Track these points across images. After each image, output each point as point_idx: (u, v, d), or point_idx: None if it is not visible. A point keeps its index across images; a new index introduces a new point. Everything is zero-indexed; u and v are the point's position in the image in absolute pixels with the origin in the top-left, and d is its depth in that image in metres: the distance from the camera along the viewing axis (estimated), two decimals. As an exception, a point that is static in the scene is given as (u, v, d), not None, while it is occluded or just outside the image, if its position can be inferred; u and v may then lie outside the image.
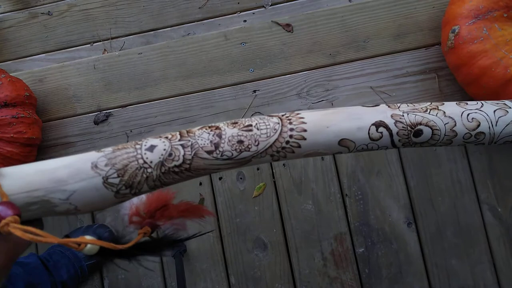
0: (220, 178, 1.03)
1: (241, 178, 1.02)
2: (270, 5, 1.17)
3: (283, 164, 1.02)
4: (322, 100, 1.05)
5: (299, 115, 0.40)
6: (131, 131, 1.06)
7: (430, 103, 0.42)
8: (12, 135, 0.93)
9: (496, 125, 0.40)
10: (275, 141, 0.39)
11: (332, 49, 1.07)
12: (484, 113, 0.40)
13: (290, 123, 0.39)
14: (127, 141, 1.10)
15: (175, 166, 0.37)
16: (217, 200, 1.02)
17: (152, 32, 1.19)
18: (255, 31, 1.09)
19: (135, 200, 0.44)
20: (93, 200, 0.36)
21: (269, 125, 0.39)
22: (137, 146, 0.37)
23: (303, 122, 0.39)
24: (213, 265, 1.00)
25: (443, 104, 0.41)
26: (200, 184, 1.03)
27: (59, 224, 1.04)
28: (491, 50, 0.84)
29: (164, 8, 1.18)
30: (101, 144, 1.06)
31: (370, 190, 1.00)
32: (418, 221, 0.98)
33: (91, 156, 0.37)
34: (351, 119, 0.40)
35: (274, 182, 1.02)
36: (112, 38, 1.19)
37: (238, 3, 1.17)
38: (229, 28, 1.12)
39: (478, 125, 0.40)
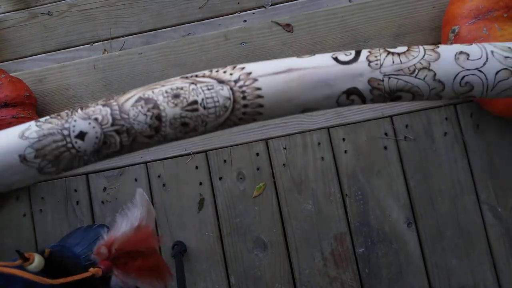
0: (220, 178, 1.03)
1: (241, 178, 1.02)
2: (270, 5, 1.17)
3: (283, 164, 1.02)
4: (322, 100, 1.05)
5: (254, 84, 0.33)
6: (131, 131, 1.06)
7: (423, 53, 0.33)
8: (12, 135, 0.93)
9: (492, 90, 0.33)
10: (226, 120, 0.33)
11: (332, 49, 1.07)
12: (483, 75, 0.33)
13: (244, 97, 0.33)
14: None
15: (114, 152, 0.33)
16: (217, 200, 1.02)
17: (152, 32, 1.19)
18: (255, 31, 1.09)
19: (124, 227, 0.43)
20: (35, 179, 0.33)
21: (218, 101, 0.33)
22: (65, 132, 0.32)
23: (259, 96, 0.33)
24: (213, 265, 1.00)
25: (438, 57, 0.33)
26: (200, 184, 1.03)
27: (59, 224, 1.04)
28: (491, 50, 0.84)
29: (164, 8, 1.18)
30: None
31: (370, 190, 1.00)
32: (418, 221, 0.98)
33: (15, 146, 0.32)
34: (318, 87, 0.33)
35: (274, 182, 1.02)
36: (112, 38, 1.19)
37: (238, 3, 1.17)
38: (229, 28, 1.12)
39: (470, 90, 0.33)
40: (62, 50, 1.20)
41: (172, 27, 1.19)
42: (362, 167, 1.01)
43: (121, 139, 0.32)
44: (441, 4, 1.05)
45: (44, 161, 0.32)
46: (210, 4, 1.18)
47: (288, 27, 1.08)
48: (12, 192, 1.06)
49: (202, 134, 0.34)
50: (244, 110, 0.33)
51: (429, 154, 1.00)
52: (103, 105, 0.33)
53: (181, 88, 0.33)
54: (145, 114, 0.32)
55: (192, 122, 0.33)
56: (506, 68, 0.32)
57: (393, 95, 0.33)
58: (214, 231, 1.01)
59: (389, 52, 0.34)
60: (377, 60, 0.33)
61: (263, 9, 1.17)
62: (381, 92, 0.33)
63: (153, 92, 0.33)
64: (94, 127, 0.32)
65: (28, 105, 0.99)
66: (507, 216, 0.97)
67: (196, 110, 0.32)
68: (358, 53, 0.34)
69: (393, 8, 1.06)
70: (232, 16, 1.18)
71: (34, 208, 1.05)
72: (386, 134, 1.02)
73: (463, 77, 0.33)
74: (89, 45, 1.20)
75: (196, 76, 0.34)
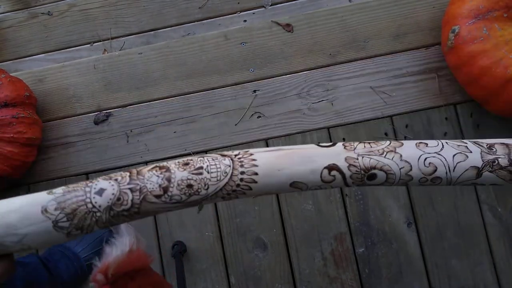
0: (220, 178, 1.03)
1: (241, 178, 1.02)
2: (270, 5, 1.17)
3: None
4: (322, 100, 1.05)
5: (251, 157, 0.40)
6: (131, 131, 1.07)
7: (389, 142, 0.41)
8: (12, 135, 0.93)
9: (453, 170, 0.39)
10: (225, 185, 0.39)
11: (332, 49, 1.07)
12: (443, 158, 0.39)
13: (242, 165, 0.39)
14: (127, 142, 1.10)
15: (124, 210, 0.37)
16: (217, 200, 1.02)
17: (152, 32, 1.19)
18: (255, 31, 1.09)
19: (115, 252, 0.45)
20: (46, 241, 0.37)
21: (220, 167, 0.39)
22: (87, 189, 0.37)
23: (255, 165, 0.39)
24: (213, 265, 1.00)
25: (402, 145, 0.40)
26: (200, 184, 1.03)
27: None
28: (491, 50, 0.84)
29: (164, 8, 1.18)
30: (101, 144, 1.06)
31: (370, 190, 1.00)
32: (418, 221, 0.98)
33: (41, 199, 0.37)
34: (304, 162, 0.39)
35: (274, 182, 1.02)
36: (112, 38, 1.19)
37: (238, 3, 1.17)
38: (229, 28, 1.12)
39: (435, 170, 0.39)
40: (62, 50, 1.20)
41: (172, 27, 1.19)
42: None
43: (133, 197, 0.37)
44: (441, 4, 1.05)
45: (61, 213, 0.36)
46: (210, 4, 1.18)
47: (288, 27, 1.08)
48: (12, 192, 1.06)
49: (202, 200, 0.39)
50: (241, 176, 0.39)
51: (429, 154, 1.00)
52: (125, 172, 0.39)
53: (191, 159, 0.40)
54: (158, 176, 0.38)
55: (196, 184, 0.38)
56: (460, 152, 0.40)
57: (368, 172, 0.39)
58: (214, 231, 1.01)
59: (360, 142, 0.41)
60: (351, 145, 0.41)
61: (263, 9, 1.17)
62: (357, 169, 0.39)
63: (167, 162, 0.40)
64: (112, 185, 0.37)
65: (28, 105, 0.99)
66: (507, 216, 0.97)
67: (201, 174, 0.38)
68: (334, 143, 0.42)
69: (393, 8, 1.06)
70: (232, 16, 1.18)
71: (34, 208, 1.05)
72: (386, 134, 1.02)
73: (426, 158, 0.39)
74: (89, 45, 1.20)
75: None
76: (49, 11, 1.21)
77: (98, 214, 0.36)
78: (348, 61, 1.06)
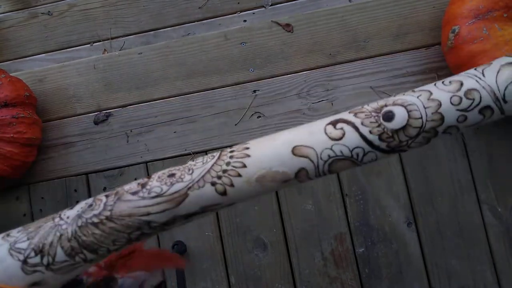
0: (220, 178, 1.03)
1: (241, 178, 1.02)
2: (270, 5, 1.17)
3: (283, 164, 1.02)
4: (322, 100, 1.05)
5: (243, 145, 0.34)
6: (131, 131, 1.07)
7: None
8: (12, 135, 0.93)
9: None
10: (213, 165, 0.32)
11: (332, 49, 1.07)
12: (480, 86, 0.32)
13: (232, 151, 0.34)
14: (127, 142, 1.10)
15: (94, 215, 0.30)
16: (217, 200, 1.02)
17: (152, 32, 1.19)
18: (255, 31, 1.09)
19: None
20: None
21: (205, 157, 0.34)
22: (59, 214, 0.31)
23: (246, 147, 0.33)
24: (213, 265, 1.00)
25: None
26: (200, 184, 1.03)
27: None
28: (491, 50, 0.84)
29: (164, 8, 1.18)
30: (101, 144, 1.06)
31: (370, 190, 1.00)
32: (418, 221, 0.98)
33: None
34: (300, 128, 0.35)
35: (274, 182, 1.02)
36: (112, 38, 1.19)
37: (238, 3, 1.17)
38: (229, 28, 1.12)
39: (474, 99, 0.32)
40: (62, 50, 1.20)
41: (172, 27, 1.19)
42: (362, 167, 1.01)
43: (107, 200, 0.31)
44: (441, 4, 1.05)
45: (23, 233, 0.30)
46: (210, 4, 1.18)
47: (288, 27, 1.08)
48: (12, 192, 1.06)
49: (190, 183, 0.32)
50: (231, 154, 0.33)
51: (429, 154, 1.00)
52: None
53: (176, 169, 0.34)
54: (138, 183, 0.33)
55: (179, 172, 0.32)
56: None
57: (381, 112, 0.34)
58: (214, 231, 1.01)
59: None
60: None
61: (263, 9, 1.17)
62: (367, 113, 0.34)
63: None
64: (90, 199, 0.32)
65: (28, 105, 0.99)
66: (507, 216, 0.97)
67: (186, 163, 0.33)
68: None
69: (393, 8, 1.06)
70: (232, 16, 1.18)
71: (34, 208, 1.05)
72: (386, 134, 1.02)
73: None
74: (89, 45, 1.20)
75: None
76: (49, 11, 1.21)
77: (63, 226, 0.30)
78: (348, 61, 1.06)
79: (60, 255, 0.29)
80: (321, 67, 1.06)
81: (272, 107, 1.05)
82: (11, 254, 0.28)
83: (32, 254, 0.28)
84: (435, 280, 0.96)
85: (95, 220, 0.30)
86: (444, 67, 1.03)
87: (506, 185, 0.98)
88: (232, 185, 0.31)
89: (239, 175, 0.31)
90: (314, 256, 0.99)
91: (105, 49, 1.18)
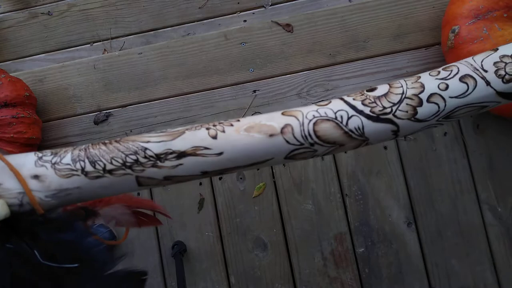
0: (220, 178, 1.03)
1: (241, 178, 1.02)
2: (270, 5, 1.17)
3: (283, 164, 1.02)
4: (322, 100, 1.04)
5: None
6: (131, 131, 1.06)
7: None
8: (12, 135, 0.93)
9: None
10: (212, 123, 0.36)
11: (332, 49, 1.07)
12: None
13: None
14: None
15: (108, 139, 0.37)
16: (217, 200, 1.02)
17: (152, 32, 1.19)
18: (255, 31, 1.09)
19: None
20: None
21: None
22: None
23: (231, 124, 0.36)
24: (213, 265, 1.00)
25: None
26: (200, 184, 1.03)
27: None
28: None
29: (164, 8, 1.18)
30: (101, 144, 1.06)
31: (370, 190, 1.00)
32: (418, 221, 0.98)
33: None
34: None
35: (274, 182, 1.02)
36: (112, 38, 1.19)
37: (238, 3, 1.17)
38: (229, 28, 1.12)
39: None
40: (62, 50, 1.20)
41: (172, 27, 1.19)
42: (362, 167, 1.01)
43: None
44: (441, 4, 1.05)
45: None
46: (210, 4, 1.17)
47: (288, 27, 1.08)
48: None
49: (187, 129, 0.35)
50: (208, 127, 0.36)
51: (429, 154, 1.00)
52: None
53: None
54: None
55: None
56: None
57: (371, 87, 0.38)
58: (214, 231, 1.01)
59: None
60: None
61: (263, 9, 1.17)
62: (362, 93, 0.36)
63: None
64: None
65: (28, 105, 0.99)
66: (507, 216, 0.97)
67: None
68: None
69: (393, 8, 1.06)
70: (232, 16, 1.18)
71: (34, 208, 1.05)
72: (386, 134, 1.02)
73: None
74: (89, 45, 1.20)
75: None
76: (49, 11, 1.20)
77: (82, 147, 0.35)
78: (348, 61, 1.06)
79: (67, 158, 0.34)
80: (321, 67, 1.06)
81: (272, 107, 1.05)
82: (35, 154, 0.34)
83: (49, 153, 0.34)
84: (435, 280, 0.96)
85: (107, 141, 0.35)
86: (444, 67, 1.02)
87: (506, 185, 0.98)
88: (223, 131, 0.35)
89: (231, 125, 0.35)
90: (314, 256, 0.99)
91: (105, 49, 1.18)
